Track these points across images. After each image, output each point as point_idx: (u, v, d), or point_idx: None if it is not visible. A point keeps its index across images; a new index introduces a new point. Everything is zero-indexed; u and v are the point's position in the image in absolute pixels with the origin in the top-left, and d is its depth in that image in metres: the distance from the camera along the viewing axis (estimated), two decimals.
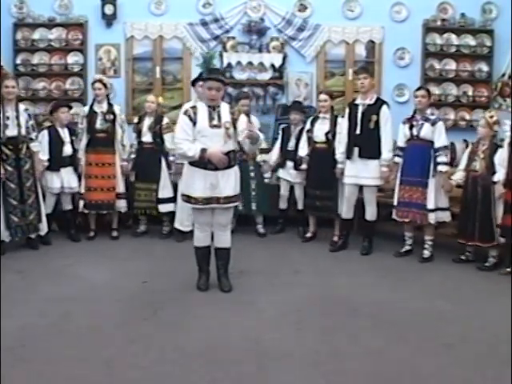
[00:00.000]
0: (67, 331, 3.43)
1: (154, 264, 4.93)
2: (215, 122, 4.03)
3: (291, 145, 5.86)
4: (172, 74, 6.63)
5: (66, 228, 5.76)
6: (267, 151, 5.98)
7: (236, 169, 4.19)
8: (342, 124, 5.41)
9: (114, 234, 5.82)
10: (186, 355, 3.13)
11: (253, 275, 4.59)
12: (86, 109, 5.71)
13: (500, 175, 4.67)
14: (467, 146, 5.30)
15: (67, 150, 5.58)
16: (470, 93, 6.57)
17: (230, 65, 6.46)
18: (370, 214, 5.35)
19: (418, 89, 5.20)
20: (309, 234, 5.86)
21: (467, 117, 6.57)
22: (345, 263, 5.07)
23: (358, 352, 3.19)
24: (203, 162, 3.99)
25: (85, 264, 4.88)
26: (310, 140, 5.61)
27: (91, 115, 5.61)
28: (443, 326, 3.60)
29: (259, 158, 5.93)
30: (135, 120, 5.84)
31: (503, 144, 4.79)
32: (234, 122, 4.06)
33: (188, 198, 4.14)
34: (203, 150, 3.95)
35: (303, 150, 5.66)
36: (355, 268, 4.91)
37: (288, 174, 5.93)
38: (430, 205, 5.00)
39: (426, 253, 5.13)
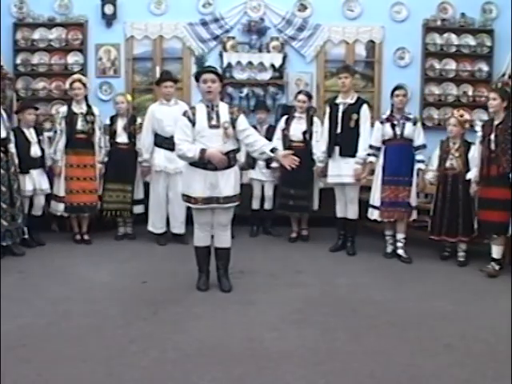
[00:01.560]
0: (67, 331, 3.43)
1: (154, 264, 4.93)
2: (214, 122, 4.03)
3: None
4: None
5: (32, 233, 5.49)
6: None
7: (236, 168, 4.19)
8: (318, 123, 5.57)
9: (78, 237, 5.67)
10: (185, 355, 3.13)
11: (253, 275, 4.60)
12: (64, 109, 5.58)
13: (473, 173, 4.84)
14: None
15: (35, 151, 5.43)
16: (470, 93, 6.56)
17: (229, 65, 6.46)
18: (353, 212, 5.37)
19: (399, 88, 5.22)
20: (293, 235, 5.88)
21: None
22: (345, 263, 5.07)
23: (358, 352, 3.19)
24: (203, 162, 4.00)
25: (85, 264, 4.89)
26: (286, 139, 5.64)
27: (71, 116, 5.50)
28: (443, 326, 3.60)
29: None
30: (107, 121, 5.74)
31: (475, 143, 4.93)
32: (234, 121, 4.07)
33: (188, 198, 4.14)
34: (203, 151, 3.95)
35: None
36: (355, 268, 4.91)
37: (261, 173, 5.96)
38: (414, 202, 5.15)
39: (401, 252, 5.17)
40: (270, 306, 3.91)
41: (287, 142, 5.63)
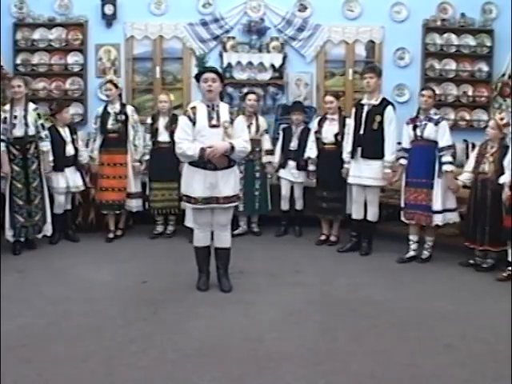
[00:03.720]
0: (67, 331, 3.43)
1: (154, 264, 4.93)
2: (214, 122, 4.04)
3: (293, 145, 5.85)
4: (172, 74, 6.62)
5: (63, 229, 5.68)
6: (272, 152, 5.97)
7: (235, 169, 4.20)
8: (350, 124, 5.38)
9: (111, 235, 5.75)
10: (185, 355, 3.13)
11: (253, 275, 4.59)
12: (100, 109, 5.70)
13: (506, 177, 4.52)
14: (468, 147, 5.27)
15: (70, 149, 5.57)
16: (470, 93, 6.56)
17: (230, 65, 6.46)
18: (372, 214, 5.32)
19: (425, 88, 5.16)
20: (322, 237, 5.76)
21: (467, 117, 6.57)
22: (345, 264, 5.07)
23: (358, 352, 3.19)
24: (203, 162, 4.00)
25: (85, 264, 4.88)
26: (318, 141, 5.59)
27: (104, 116, 5.61)
28: (443, 326, 3.60)
29: (264, 159, 5.92)
30: (148, 120, 5.82)
31: (477, 142, 4.77)
32: (232, 122, 4.07)
33: (188, 198, 4.14)
34: (202, 150, 3.95)
35: (312, 151, 5.64)
36: (355, 268, 4.91)
37: (290, 173, 5.93)
38: (436, 206, 4.92)
39: (426, 253, 5.12)
40: (270, 306, 3.92)
41: (320, 144, 5.58)
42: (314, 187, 5.76)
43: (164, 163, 5.65)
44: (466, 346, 3.29)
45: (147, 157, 5.75)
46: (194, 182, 4.08)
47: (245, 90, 6.34)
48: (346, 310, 3.85)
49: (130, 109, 5.74)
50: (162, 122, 5.73)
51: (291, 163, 5.89)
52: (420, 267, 4.96)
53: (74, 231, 5.75)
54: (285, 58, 6.49)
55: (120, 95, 5.77)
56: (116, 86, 5.65)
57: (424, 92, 5.07)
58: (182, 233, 5.57)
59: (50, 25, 6.49)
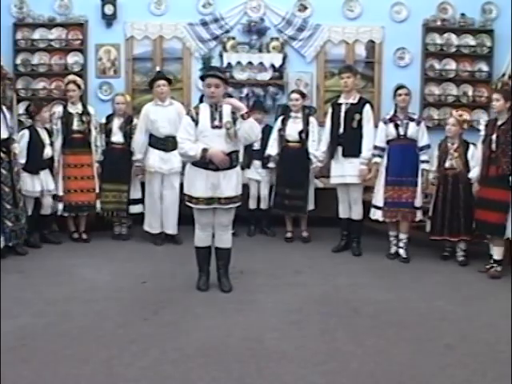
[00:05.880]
0: (67, 331, 3.43)
1: (154, 264, 4.93)
2: (217, 123, 4.04)
3: (256, 145, 5.78)
4: (172, 74, 6.61)
5: (41, 231, 5.56)
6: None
7: (238, 169, 4.20)
8: (315, 122, 5.62)
9: (84, 236, 5.71)
10: (185, 355, 3.13)
11: (253, 275, 4.60)
12: (60, 110, 5.63)
13: (475, 172, 4.84)
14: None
15: (48, 152, 5.47)
16: (470, 93, 6.56)
17: (229, 65, 6.45)
18: (357, 213, 5.36)
19: (401, 87, 5.20)
20: (288, 235, 5.85)
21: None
22: (345, 264, 5.07)
23: (358, 352, 3.19)
24: (205, 162, 4.00)
25: (85, 264, 4.88)
26: (282, 139, 5.66)
27: (67, 116, 5.55)
28: (443, 326, 3.60)
29: None
30: (103, 120, 5.77)
31: (477, 142, 4.92)
32: (235, 120, 4.06)
33: (189, 198, 4.14)
34: (204, 150, 3.95)
35: (273, 149, 5.73)
36: (355, 268, 4.91)
37: (257, 173, 5.97)
38: (418, 203, 5.11)
39: (402, 252, 5.17)
40: (269, 306, 3.92)
41: (283, 142, 5.65)
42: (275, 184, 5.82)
43: (116, 164, 5.66)
44: (466, 346, 3.29)
45: (102, 157, 5.72)
46: (196, 182, 4.08)
47: (245, 90, 6.34)
48: (346, 310, 3.85)
49: (91, 109, 5.71)
50: (117, 122, 5.71)
51: (256, 162, 5.94)
52: (420, 267, 4.96)
53: (53, 234, 5.64)
54: (285, 58, 6.49)
55: (81, 96, 5.72)
56: (79, 87, 5.62)
57: (400, 91, 5.15)
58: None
59: (50, 25, 6.49)
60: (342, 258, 5.24)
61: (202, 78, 4.18)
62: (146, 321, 3.62)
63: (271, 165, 5.80)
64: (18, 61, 6.45)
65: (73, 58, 6.53)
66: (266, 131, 5.83)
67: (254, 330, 3.48)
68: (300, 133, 5.61)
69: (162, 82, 5.51)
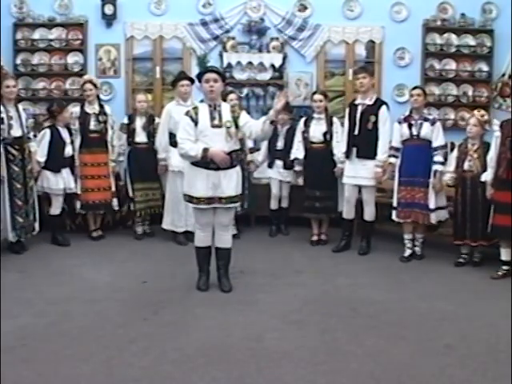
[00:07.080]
0: (67, 331, 3.43)
1: (154, 264, 4.93)
2: (216, 122, 4.04)
3: (280, 144, 5.84)
4: (172, 74, 6.57)
5: (52, 231, 5.57)
6: (254, 150, 5.95)
7: (238, 169, 4.19)
8: (338, 123, 5.51)
9: (95, 234, 5.74)
10: (185, 355, 3.13)
11: (253, 275, 4.59)
12: (77, 110, 5.66)
13: (488, 175, 4.63)
14: (453, 148, 5.27)
15: (69, 150, 5.55)
16: (470, 93, 6.56)
17: (230, 65, 6.46)
18: (369, 214, 5.33)
19: (414, 88, 5.18)
20: (314, 238, 5.74)
21: (467, 117, 6.55)
22: (345, 264, 5.06)
23: (358, 352, 3.19)
24: (205, 162, 4.00)
25: (85, 264, 4.88)
26: (306, 141, 5.60)
27: (84, 116, 5.58)
28: (443, 326, 3.60)
29: (249, 157, 5.88)
30: (125, 120, 5.79)
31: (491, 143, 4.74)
32: (236, 119, 4.07)
33: (190, 198, 4.14)
34: (205, 150, 3.95)
35: (299, 152, 5.64)
36: (355, 268, 4.91)
37: (278, 173, 5.93)
38: (432, 204, 4.99)
39: (418, 250, 5.15)
40: (270, 306, 3.92)
41: (308, 144, 5.59)
42: (301, 186, 5.75)
43: (143, 164, 5.68)
44: (466, 346, 3.29)
45: (122, 158, 5.76)
46: (196, 182, 4.07)
47: (245, 90, 6.34)
48: (346, 310, 3.85)
49: (108, 109, 5.74)
50: (140, 122, 5.71)
51: (278, 162, 5.90)
52: (420, 267, 4.96)
53: (63, 234, 5.61)
54: (285, 58, 6.50)
55: (98, 96, 5.74)
56: (95, 86, 5.63)
57: (413, 91, 5.10)
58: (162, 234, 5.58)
59: (50, 25, 6.49)
60: (343, 258, 5.24)
61: (199, 77, 4.14)
62: (145, 321, 3.63)
63: (298, 168, 5.70)
64: (18, 61, 6.46)
65: (73, 58, 6.54)
66: (290, 132, 5.80)
67: (254, 330, 3.48)
68: (324, 134, 5.52)
69: (186, 82, 5.48)
